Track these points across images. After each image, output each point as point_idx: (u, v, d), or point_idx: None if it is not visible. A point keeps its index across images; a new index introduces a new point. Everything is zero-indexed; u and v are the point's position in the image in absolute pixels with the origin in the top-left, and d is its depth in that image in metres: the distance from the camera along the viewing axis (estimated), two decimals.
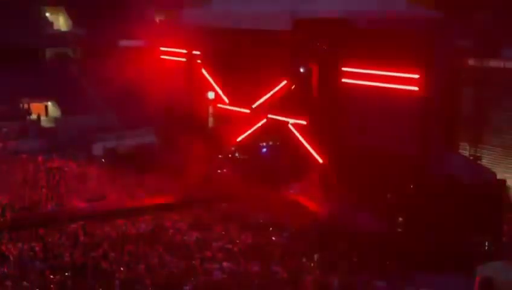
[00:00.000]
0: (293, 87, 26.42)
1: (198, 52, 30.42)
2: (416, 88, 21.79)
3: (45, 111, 38.36)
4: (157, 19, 42.95)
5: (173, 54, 31.76)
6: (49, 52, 41.78)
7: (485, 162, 25.54)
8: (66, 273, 18.24)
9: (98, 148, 32.32)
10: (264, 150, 28.34)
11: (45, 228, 22.12)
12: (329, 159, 24.85)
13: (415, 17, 24.10)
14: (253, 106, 27.98)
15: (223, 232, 22.08)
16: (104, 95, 35.93)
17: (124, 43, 37.57)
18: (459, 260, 19.22)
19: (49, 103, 38.47)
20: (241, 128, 28.50)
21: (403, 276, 18.83)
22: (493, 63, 26.56)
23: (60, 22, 43.20)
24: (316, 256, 20.03)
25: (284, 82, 26.70)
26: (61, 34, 41.86)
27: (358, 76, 23.47)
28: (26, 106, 37.72)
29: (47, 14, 42.83)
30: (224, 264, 19.22)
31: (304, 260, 19.84)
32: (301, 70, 25.83)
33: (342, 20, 23.89)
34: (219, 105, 30.13)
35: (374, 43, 22.77)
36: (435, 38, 23.24)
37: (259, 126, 28.02)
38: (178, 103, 30.65)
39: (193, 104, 30.62)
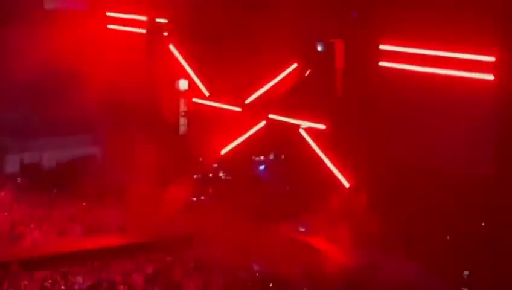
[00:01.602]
0: (306, 73, 26.71)
1: (164, 20, 30.60)
2: (490, 76, 21.82)
3: None
4: None
5: (127, 22, 31.87)
6: None
7: None
8: None
9: (12, 163, 32.13)
10: (262, 167, 28.64)
11: None
12: (359, 181, 25.01)
13: None
14: (247, 101, 28.18)
15: None
16: (21, 84, 35.75)
17: (52, 5, 37.45)
18: None
19: None
20: (227, 134, 28.50)
21: None
22: None
23: None
24: None
25: (294, 66, 26.91)
26: None
27: (404, 58, 23.58)
28: None
29: None
30: None
31: None
32: (319, 48, 26.20)
33: None
34: (195, 100, 30.31)
35: (427, 10, 22.88)
36: None
37: (255, 132, 28.11)
38: (133, 96, 30.54)
39: (156, 97, 30.65)
